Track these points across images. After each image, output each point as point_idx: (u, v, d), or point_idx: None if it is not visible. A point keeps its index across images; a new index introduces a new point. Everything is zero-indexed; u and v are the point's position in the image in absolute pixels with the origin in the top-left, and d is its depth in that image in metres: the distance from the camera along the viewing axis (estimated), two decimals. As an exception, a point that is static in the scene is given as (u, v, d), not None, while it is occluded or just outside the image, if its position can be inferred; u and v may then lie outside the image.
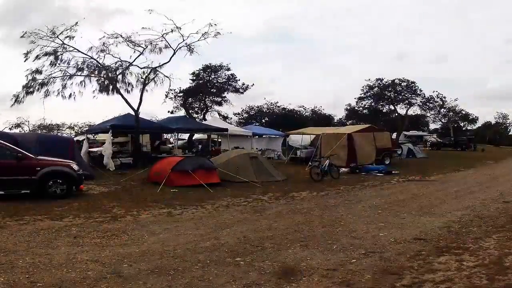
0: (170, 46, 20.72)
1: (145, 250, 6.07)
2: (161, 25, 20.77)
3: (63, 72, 19.80)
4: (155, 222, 8.17)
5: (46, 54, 19.17)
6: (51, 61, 19.32)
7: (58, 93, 20.00)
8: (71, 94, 20.32)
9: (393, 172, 18.86)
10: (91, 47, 19.88)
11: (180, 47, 20.86)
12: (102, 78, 20.77)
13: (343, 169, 19.08)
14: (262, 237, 6.87)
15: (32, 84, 19.51)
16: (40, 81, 19.50)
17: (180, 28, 20.20)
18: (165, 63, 21.41)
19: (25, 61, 19.11)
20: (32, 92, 19.67)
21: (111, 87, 20.93)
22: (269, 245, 6.40)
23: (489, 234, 7.07)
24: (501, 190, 12.88)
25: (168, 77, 21.77)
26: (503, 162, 28.29)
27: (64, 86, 20.05)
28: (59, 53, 19.36)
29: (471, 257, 5.73)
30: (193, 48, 21.06)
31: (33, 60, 19.12)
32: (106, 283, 4.68)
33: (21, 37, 18.82)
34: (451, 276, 4.94)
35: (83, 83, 20.51)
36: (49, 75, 19.61)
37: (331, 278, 4.90)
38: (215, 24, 20.58)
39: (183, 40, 20.64)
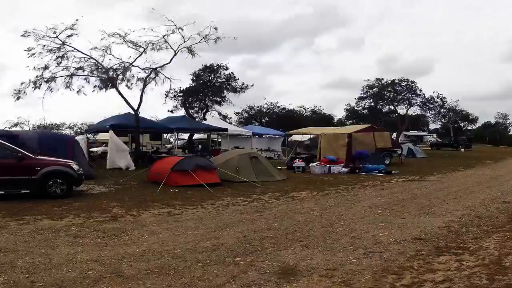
0: (171, 47, 20.77)
1: (145, 250, 6.07)
2: (162, 26, 20.74)
3: (65, 69, 19.84)
4: (155, 222, 8.17)
5: (50, 50, 19.22)
6: (56, 60, 19.38)
7: (65, 86, 20.06)
8: (75, 88, 20.41)
9: (393, 172, 18.86)
10: (91, 49, 19.93)
11: (180, 49, 20.91)
12: (102, 77, 20.77)
13: (343, 169, 19.11)
14: (262, 237, 6.87)
15: (39, 79, 19.55)
16: (46, 78, 19.58)
17: (182, 29, 20.27)
18: (166, 64, 21.45)
19: (29, 56, 19.17)
20: (39, 87, 19.71)
21: (111, 86, 20.93)
22: (269, 245, 6.40)
23: (489, 234, 7.07)
24: (501, 190, 12.90)
25: (168, 78, 21.83)
26: (502, 162, 28.29)
27: (65, 85, 20.10)
28: (61, 52, 19.40)
29: (471, 257, 5.73)
30: (194, 51, 21.08)
31: (34, 57, 19.16)
32: (106, 283, 4.68)
33: (22, 35, 18.85)
34: (451, 276, 4.94)
35: (83, 82, 20.57)
36: (53, 73, 19.68)
37: (331, 278, 4.90)
38: (215, 28, 20.64)
39: (184, 42, 20.70)
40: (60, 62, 19.48)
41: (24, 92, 19.78)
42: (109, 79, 20.52)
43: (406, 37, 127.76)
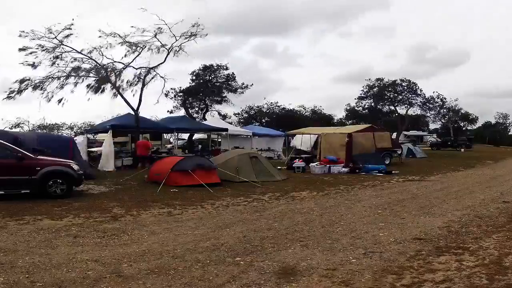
0: (164, 47, 20.82)
1: (145, 250, 6.07)
2: (153, 26, 20.77)
3: (61, 71, 19.81)
4: (155, 222, 8.17)
5: (46, 51, 19.19)
6: (51, 60, 19.34)
7: (59, 89, 20.00)
8: (61, 99, 20.32)
9: (393, 172, 18.86)
10: (90, 50, 19.91)
11: (172, 47, 20.95)
12: (100, 78, 20.76)
13: (343, 169, 19.11)
14: (262, 237, 6.87)
15: (27, 83, 19.51)
16: (37, 80, 19.53)
17: (171, 28, 20.31)
18: (161, 63, 21.48)
19: (25, 57, 19.09)
20: (32, 87, 19.61)
21: (110, 87, 20.95)
22: (269, 245, 6.40)
23: (489, 234, 7.07)
24: (501, 190, 12.89)
25: (162, 77, 21.88)
26: (502, 162, 28.29)
27: (62, 86, 20.07)
28: (57, 53, 19.38)
29: (471, 257, 5.73)
30: (180, 49, 21.13)
31: (31, 56, 19.14)
32: (106, 283, 4.68)
33: (19, 36, 18.84)
34: (451, 276, 4.94)
35: (81, 83, 20.55)
36: (48, 74, 19.65)
37: (331, 278, 4.90)
38: (198, 25, 20.74)
39: (176, 40, 20.74)
40: (56, 63, 19.48)
41: (18, 93, 19.70)
42: (107, 79, 20.50)
43: (443, 25, 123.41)
